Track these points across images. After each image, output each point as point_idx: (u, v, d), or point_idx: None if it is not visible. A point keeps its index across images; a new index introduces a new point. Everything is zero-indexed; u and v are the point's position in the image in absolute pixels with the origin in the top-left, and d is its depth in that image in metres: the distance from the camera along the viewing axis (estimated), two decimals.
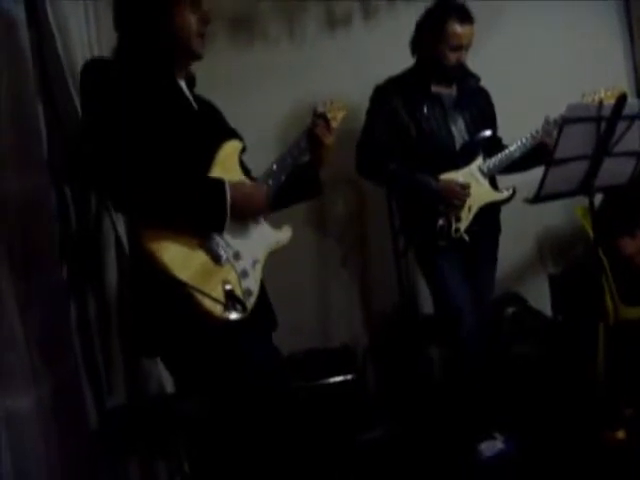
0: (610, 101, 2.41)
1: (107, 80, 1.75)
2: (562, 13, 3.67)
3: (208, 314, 1.69)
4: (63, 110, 2.22)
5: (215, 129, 1.99)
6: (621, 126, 2.40)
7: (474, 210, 2.78)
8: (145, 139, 1.72)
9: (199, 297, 1.67)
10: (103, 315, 2.32)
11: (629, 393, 2.80)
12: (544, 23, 3.64)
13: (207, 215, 1.75)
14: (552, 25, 3.65)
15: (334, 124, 2.17)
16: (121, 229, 2.39)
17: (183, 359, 1.83)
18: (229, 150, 1.94)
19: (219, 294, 1.72)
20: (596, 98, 2.64)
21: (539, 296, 3.53)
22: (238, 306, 1.73)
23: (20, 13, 2.07)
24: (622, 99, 2.36)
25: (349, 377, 2.96)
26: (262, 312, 1.93)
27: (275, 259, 2.02)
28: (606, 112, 2.35)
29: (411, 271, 3.23)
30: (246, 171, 2.08)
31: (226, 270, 1.79)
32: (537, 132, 2.81)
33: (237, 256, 1.84)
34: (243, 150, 2.02)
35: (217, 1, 3.37)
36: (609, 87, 2.73)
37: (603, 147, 2.40)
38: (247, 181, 1.97)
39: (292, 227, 2.07)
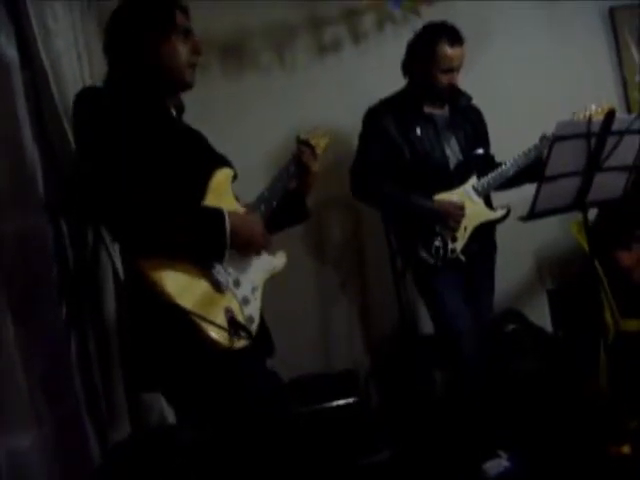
0: (599, 117, 2.43)
1: (100, 108, 1.74)
2: (550, 32, 3.71)
3: (213, 343, 1.67)
4: (59, 148, 2.25)
5: (206, 157, 1.99)
6: (611, 141, 2.41)
7: (470, 230, 2.80)
8: (140, 168, 1.70)
9: (204, 325, 1.65)
10: (103, 349, 2.32)
11: (632, 405, 2.79)
12: (533, 42, 3.68)
13: (208, 245, 1.74)
14: (541, 44, 3.70)
15: (318, 151, 2.18)
16: (118, 262, 2.40)
17: (183, 389, 1.81)
18: (221, 177, 1.92)
19: (222, 322, 1.70)
20: (586, 114, 2.67)
21: (539, 312, 3.54)
22: (242, 333, 1.71)
23: (13, 53, 2.10)
24: (611, 115, 2.38)
25: (351, 400, 2.95)
26: (260, 338, 1.92)
27: (274, 285, 2.03)
28: (595, 128, 2.37)
29: (410, 292, 3.23)
30: (235, 198, 2.08)
31: (227, 298, 1.78)
32: (530, 150, 2.83)
33: (237, 283, 1.84)
34: (235, 177, 2.01)
35: (208, 30, 3.43)
36: (598, 104, 2.76)
37: (594, 162, 2.42)
38: (241, 209, 1.97)
39: (290, 253, 2.08)
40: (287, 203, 2.12)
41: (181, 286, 1.68)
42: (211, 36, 3.46)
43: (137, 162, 1.70)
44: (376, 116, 2.92)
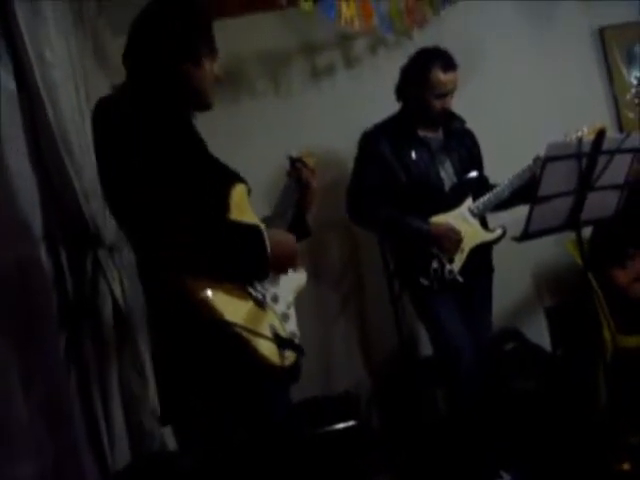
0: (590, 137, 2.46)
1: (126, 122, 1.64)
2: (542, 52, 3.76)
3: (264, 359, 1.63)
4: (56, 178, 2.27)
5: (223, 171, 1.92)
6: (602, 160, 2.44)
7: (466, 251, 2.81)
8: (172, 184, 1.62)
9: (254, 342, 1.61)
10: (103, 377, 2.33)
11: (632, 422, 2.80)
12: (524, 62, 3.73)
13: (252, 263, 1.69)
14: (532, 64, 3.74)
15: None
16: (118, 290, 2.42)
17: (211, 413, 1.74)
18: (240, 193, 1.87)
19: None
20: (578, 135, 2.69)
21: (537, 330, 3.55)
22: (288, 351, 1.69)
23: (11, 84, 2.13)
24: (601, 134, 2.41)
25: (352, 423, 2.95)
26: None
27: None
28: (586, 148, 2.40)
29: (408, 314, 3.24)
30: None
31: (270, 314, 1.75)
32: (523, 171, 2.86)
33: (276, 299, 1.81)
34: (249, 193, 1.97)
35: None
36: (590, 125, 2.79)
37: (586, 182, 2.44)
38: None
39: None
40: (292, 223, 2.08)
41: (229, 303, 1.62)
42: None
43: (163, 177, 1.62)
44: (371, 140, 2.95)
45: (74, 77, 2.47)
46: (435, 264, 2.78)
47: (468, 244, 2.82)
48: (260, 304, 1.73)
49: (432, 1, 3.50)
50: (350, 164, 3.05)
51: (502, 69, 3.71)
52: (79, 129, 2.41)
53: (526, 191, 2.79)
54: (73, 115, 2.40)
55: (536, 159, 2.84)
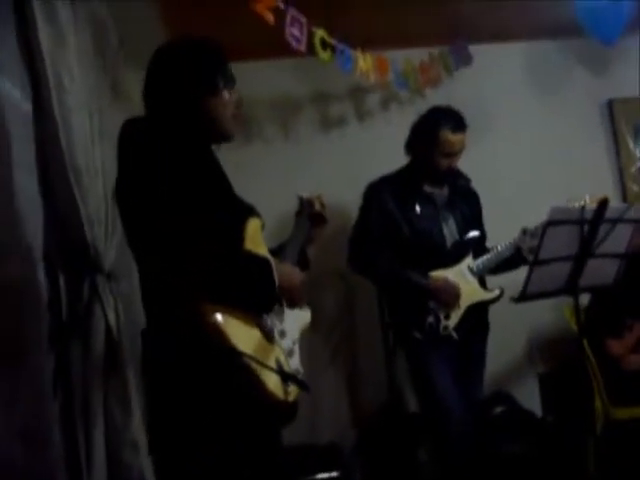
0: (593, 205, 2.48)
1: (153, 142, 1.67)
2: (550, 120, 3.83)
3: (270, 394, 1.62)
4: (62, 201, 2.28)
5: (239, 204, 1.94)
6: (604, 229, 2.46)
7: (463, 308, 2.81)
8: (194, 213, 1.62)
9: (263, 376, 1.59)
10: (87, 404, 2.30)
11: None
12: (532, 129, 3.79)
13: (261, 294, 1.70)
14: (540, 131, 3.81)
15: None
16: (112, 317, 2.41)
17: (206, 445, 1.67)
18: (254, 226, 1.88)
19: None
20: (580, 203, 2.72)
21: (529, 396, 3.52)
22: (292, 387, 1.67)
23: (28, 106, 2.16)
24: (604, 203, 2.43)
25: (335, 474, 2.91)
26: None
27: None
28: (588, 215, 2.41)
29: (399, 368, 3.22)
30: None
31: (277, 349, 1.75)
32: (510, 244, 2.88)
33: (283, 334, 1.81)
34: (263, 227, 1.98)
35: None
36: (593, 194, 2.82)
37: (586, 248, 2.45)
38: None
39: None
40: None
41: (239, 332, 1.61)
42: None
43: (184, 203, 1.61)
44: (376, 192, 2.98)
45: (89, 105, 2.51)
46: (431, 319, 2.77)
47: (465, 301, 2.82)
48: (269, 337, 1.73)
49: (446, 62, 3.58)
50: (353, 215, 3.07)
51: (511, 133, 3.78)
52: (89, 156, 2.43)
53: (514, 260, 2.85)
54: (85, 142, 2.43)
55: (522, 231, 2.87)
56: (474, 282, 2.89)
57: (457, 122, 2.87)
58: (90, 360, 2.32)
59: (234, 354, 1.56)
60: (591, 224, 2.42)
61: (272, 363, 1.68)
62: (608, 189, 3.71)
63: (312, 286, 3.48)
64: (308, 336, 3.49)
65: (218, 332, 1.56)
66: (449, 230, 2.96)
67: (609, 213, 2.43)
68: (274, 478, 1.82)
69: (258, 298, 1.71)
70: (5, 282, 1.89)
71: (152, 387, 1.75)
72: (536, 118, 3.83)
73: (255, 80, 3.59)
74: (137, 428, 2.40)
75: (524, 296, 2.44)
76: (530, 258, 2.74)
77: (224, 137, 1.90)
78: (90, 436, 2.28)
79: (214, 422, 1.62)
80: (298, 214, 2.20)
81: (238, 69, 3.55)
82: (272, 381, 1.63)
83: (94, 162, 2.45)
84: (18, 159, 2.01)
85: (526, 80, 3.88)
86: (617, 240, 2.50)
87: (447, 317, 2.79)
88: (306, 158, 3.68)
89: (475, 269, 2.88)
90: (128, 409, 2.39)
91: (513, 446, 3.14)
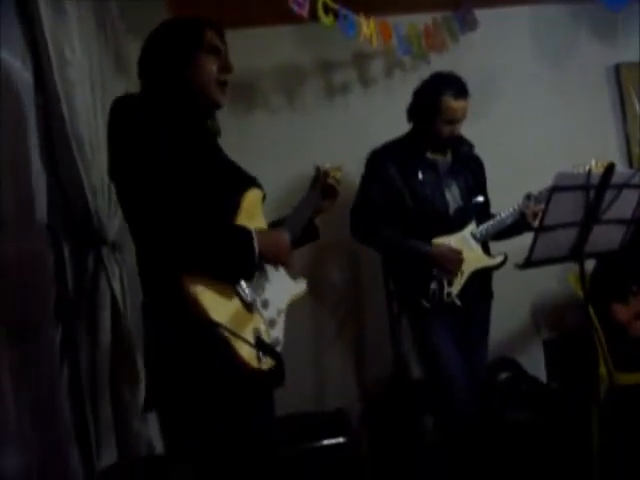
0: (599, 170, 2.46)
1: (140, 119, 1.73)
2: (556, 86, 3.78)
3: (242, 361, 1.67)
4: (66, 173, 2.28)
5: (238, 176, 1.98)
6: (610, 194, 2.44)
7: (466, 275, 2.81)
8: (177, 183, 1.69)
9: (235, 343, 1.66)
10: (95, 376, 2.32)
11: (625, 461, 2.77)
12: (538, 95, 3.75)
13: (238, 263, 1.73)
14: (546, 97, 3.76)
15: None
16: (117, 287, 2.42)
17: (191, 406, 1.75)
18: (252, 198, 1.93)
19: (251, 342, 1.70)
20: (586, 168, 2.69)
21: (534, 362, 3.53)
22: (267, 357, 1.71)
23: (28, 77, 2.15)
24: (610, 169, 2.40)
25: (342, 440, 2.93)
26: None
27: None
28: (594, 181, 2.39)
29: (405, 336, 3.23)
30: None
31: (256, 319, 1.79)
32: (535, 197, 2.87)
33: (265, 305, 1.84)
34: (264, 198, 2.03)
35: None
36: (599, 159, 2.80)
37: (592, 214, 2.44)
38: (269, 229, 1.98)
39: None
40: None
41: (217, 302, 1.68)
42: None
43: (174, 177, 1.69)
44: (379, 159, 2.95)
45: (91, 77, 2.50)
46: (434, 285, 2.78)
47: (468, 268, 2.82)
48: (248, 307, 1.77)
49: (451, 27, 3.53)
50: (358, 183, 3.05)
51: (517, 98, 3.74)
52: (91, 127, 2.43)
53: (520, 223, 2.85)
54: (87, 113, 2.43)
55: (527, 196, 2.86)
56: (477, 248, 2.88)
57: (459, 88, 2.83)
58: (97, 331, 2.34)
59: (208, 324, 1.63)
60: (597, 190, 2.40)
61: (250, 333, 1.73)
62: (614, 154, 3.68)
63: (317, 257, 3.55)
64: (315, 305, 3.58)
65: (194, 303, 1.63)
66: (452, 197, 2.94)
67: (615, 178, 2.41)
68: (260, 446, 1.84)
69: (235, 268, 1.74)
70: (12, 256, 1.90)
71: (147, 358, 1.82)
72: (542, 83, 3.78)
73: (258, 48, 3.57)
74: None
75: (529, 262, 2.43)
76: (534, 224, 2.75)
77: (211, 104, 1.92)
78: (98, 408, 2.31)
79: (195, 391, 1.70)
80: (312, 183, 2.20)
81: (240, 37, 3.56)
82: (245, 350, 1.68)
83: (97, 133, 2.45)
84: (19, 129, 2.01)
85: (532, 45, 3.82)
86: (623, 206, 2.49)
87: (450, 284, 2.80)
88: (310, 126, 3.65)
89: (478, 235, 2.87)
90: (135, 380, 2.42)
91: (517, 412, 3.15)
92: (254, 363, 1.70)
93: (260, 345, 1.72)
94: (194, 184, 1.74)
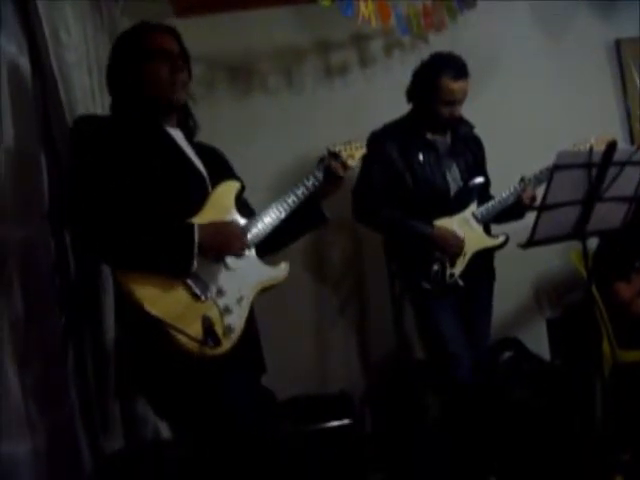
0: (600, 148, 2.45)
1: (92, 133, 1.87)
2: (556, 62, 3.75)
3: (184, 349, 1.74)
4: (65, 160, 2.27)
5: (212, 173, 2.03)
6: (612, 172, 2.43)
7: (468, 256, 2.81)
8: (125, 186, 1.79)
9: (173, 333, 1.72)
10: (100, 361, 2.33)
11: (628, 437, 2.78)
12: (538, 72, 3.72)
13: (173, 260, 1.79)
14: (546, 74, 3.73)
15: (351, 162, 2.22)
16: None
17: (165, 399, 1.87)
18: (223, 190, 1.99)
19: (197, 329, 1.74)
20: (587, 146, 2.68)
21: (537, 341, 3.53)
22: (210, 340, 1.75)
23: (25, 62, 2.13)
24: (612, 146, 2.39)
25: (346, 422, 2.95)
26: (250, 354, 1.98)
27: (273, 305, 2.03)
28: (596, 158, 2.38)
29: (408, 316, 3.24)
30: (250, 211, 2.12)
31: (207, 306, 1.83)
32: (529, 180, 2.86)
33: (220, 292, 1.87)
34: (242, 189, 2.06)
35: (217, 52, 3.49)
36: (600, 135, 2.79)
37: (594, 192, 2.43)
38: (239, 219, 2.01)
39: (289, 273, 2.06)
40: (305, 208, 2.14)
41: (155, 295, 1.75)
42: (220, 57, 3.52)
43: (123, 182, 1.79)
44: (379, 141, 2.93)
45: (88, 60, 2.48)
46: (436, 267, 2.78)
47: (470, 249, 2.82)
48: (196, 295, 1.82)
49: (450, 6, 3.50)
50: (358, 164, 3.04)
51: (517, 77, 3.71)
52: (89, 112, 2.41)
53: (513, 209, 2.86)
54: (85, 97, 2.41)
55: (521, 179, 2.86)
56: (479, 229, 2.88)
57: (458, 69, 2.81)
58: (100, 317, 2.34)
59: (145, 315, 1.72)
60: (599, 167, 2.39)
61: (196, 320, 1.77)
62: (615, 131, 3.65)
63: (319, 238, 3.54)
64: (317, 287, 3.58)
65: (129, 296, 1.75)
66: (452, 177, 2.93)
67: (617, 156, 2.40)
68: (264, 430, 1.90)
69: (170, 264, 1.79)
70: (13, 243, 1.89)
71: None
72: (542, 60, 3.75)
73: (257, 30, 3.55)
74: None
75: (532, 242, 2.43)
76: (532, 205, 2.77)
77: (166, 103, 2.00)
78: (103, 391, 2.31)
79: (153, 376, 1.84)
80: (320, 162, 2.19)
81: (239, 19, 3.55)
82: (183, 337, 1.73)
83: None
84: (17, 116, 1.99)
85: (532, 23, 3.79)
86: (625, 183, 2.48)
87: (452, 265, 2.80)
88: (309, 107, 3.63)
89: (480, 216, 2.87)
90: None
91: (521, 391, 3.16)
92: (194, 349, 1.74)
93: (208, 332, 1.75)
94: (145, 187, 1.83)
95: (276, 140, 3.53)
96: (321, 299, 3.63)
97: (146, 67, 1.95)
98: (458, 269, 2.79)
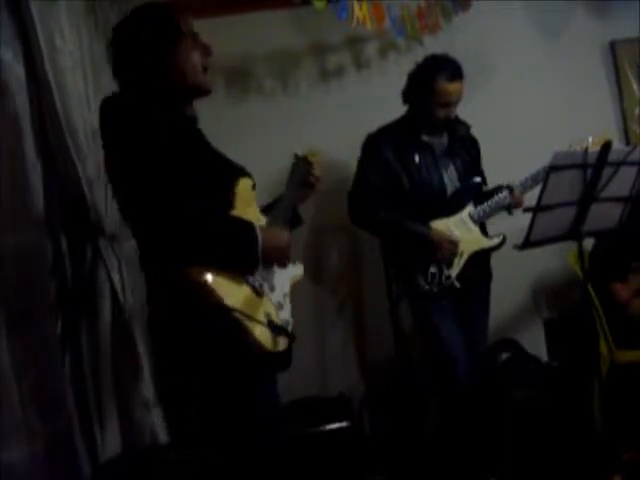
0: (596, 148, 2.45)
1: (134, 119, 1.70)
2: (552, 64, 3.76)
3: (257, 344, 1.70)
4: (61, 164, 2.27)
5: (228, 165, 1.96)
6: (607, 172, 2.43)
7: (465, 257, 2.81)
8: (174, 180, 1.67)
9: (249, 326, 1.68)
10: (97, 366, 2.33)
11: (627, 437, 2.78)
12: (534, 73, 3.72)
13: (242, 259, 1.75)
14: (542, 75, 3.74)
15: (316, 169, 2.19)
16: (116, 279, 2.42)
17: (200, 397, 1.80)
18: (244, 186, 1.91)
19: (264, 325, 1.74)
20: (583, 146, 2.69)
21: (535, 342, 3.53)
22: (281, 337, 1.76)
23: (19, 69, 2.13)
24: (607, 146, 2.40)
25: (345, 424, 2.95)
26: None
27: None
28: (592, 159, 2.39)
29: (406, 318, 3.24)
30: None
31: (266, 302, 1.82)
32: (526, 180, 2.87)
33: (273, 289, 1.87)
34: (254, 187, 2.01)
35: (213, 54, 3.49)
36: (595, 135, 2.79)
37: (590, 193, 2.43)
38: (263, 219, 1.98)
39: None
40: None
41: (227, 289, 1.69)
42: (216, 60, 3.49)
43: (172, 173, 1.67)
44: (375, 143, 2.94)
45: (82, 65, 2.47)
46: (433, 269, 2.78)
47: (467, 250, 2.82)
48: (257, 292, 1.79)
49: (444, 7, 3.50)
50: (354, 166, 3.04)
51: (512, 78, 3.71)
52: (85, 117, 2.41)
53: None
54: (80, 103, 2.41)
55: (509, 186, 2.89)
56: (475, 230, 2.88)
57: (453, 71, 2.81)
58: (97, 323, 2.34)
59: (223, 310, 1.65)
60: (594, 168, 2.40)
61: (262, 316, 1.76)
62: (611, 132, 3.65)
63: (317, 240, 3.54)
64: (315, 290, 3.58)
65: (208, 291, 1.65)
66: (449, 178, 2.93)
67: (612, 156, 2.41)
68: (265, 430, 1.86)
69: (241, 262, 1.76)
70: (10, 249, 1.89)
71: (158, 348, 1.86)
72: (538, 61, 3.75)
73: (252, 34, 3.55)
74: (147, 387, 2.43)
75: (528, 243, 2.44)
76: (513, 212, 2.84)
77: (198, 90, 1.89)
78: (101, 397, 2.31)
79: (210, 375, 1.73)
80: (292, 171, 2.17)
81: (234, 22, 3.54)
82: (260, 332, 1.71)
83: (91, 123, 2.43)
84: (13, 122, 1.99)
85: (527, 23, 3.79)
86: (621, 183, 2.48)
87: (449, 266, 2.80)
88: (305, 110, 3.63)
89: (476, 217, 2.87)
90: (137, 369, 2.42)
91: (519, 392, 3.16)
92: (269, 345, 1.73)
93: (273, 327, 1.75)
94: (191, 178, 1.73)
95: (272, 142, 3.52)
96: (319, 302, 3.63)
97: (180, 49, 1.81)
98: (455, 271, 2.79)
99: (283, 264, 1.95)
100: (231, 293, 1.69)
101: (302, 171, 2.15)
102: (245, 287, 1.76)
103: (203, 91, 1.90)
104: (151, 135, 1.68)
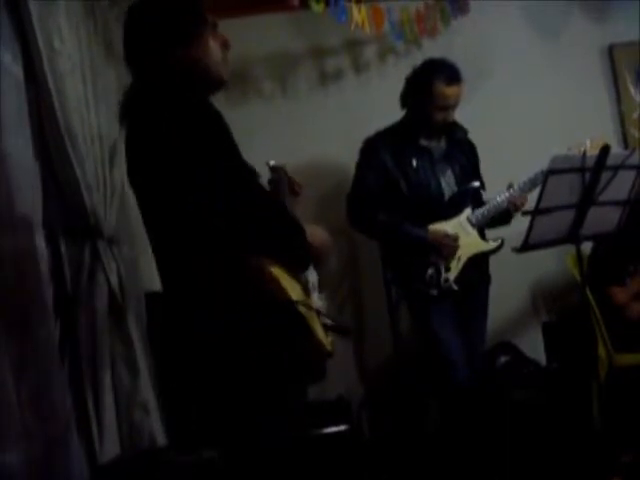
0: (594, 152, 2.45)
1: (175, 116, 1.59)
2: (550, 67, 3.77)
3: (320, 345, 1.66)
4: (60, 168, 2.27)
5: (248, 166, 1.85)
6: (606, 176, 2.44)
7: (463, 260, 2.82)
8: (220, 173, 1.58)
9: (313, 326, 1.62)
10: (96, 369, 2.32)
11: (625, 439, 2.78)
12: (532, 76, 3.73)
13: (296, 255, 1.69)
14: (540, 79, 3.74)
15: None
16: (114, 282, 2.42)
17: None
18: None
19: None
20: (581, 149, 2.69)
21: (533, 345, 3.53)
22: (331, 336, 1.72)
23: (18, 71, 2.13)
24: (605, 150, 2.40)
25: (344, 428, 2.94)
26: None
27: None
28: (590, 163, 2.39)
29: (404, 321, 3.24)
30: None
31: (315, 301, 1.79)
32: (524, 183, 2.87)
33: (314, 287, 1.85)
34: None
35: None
36: (594, 139, 2.79)
37: (588, 196, 2.44)
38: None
39: None
40: None
41: (288, 283, 1.61)
42: None
43: (217, 170, 1.58)
44: (373, 147, 2.95)
45: (82, 68, 2.47)
46: (431, 271, 2.78)
47: (465, 253, 2.82)
48: (306, 289, 1.75)
49: (443, 11, 3.51)
50: (353, 169, 3.04)
51: (511, 81, 3.72)
52: (84, 120, 2.41)
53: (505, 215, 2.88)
54: (79, 106, 2.40)
55: (509, 187, 2.88)
56: (474, 233, 2.88)
57: (451, 74, 2.82)
58: (95, 325, 2.33)
59: (288, 304, 1.56)
60: (593, 171, 2.40)
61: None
62: (609, 135, 3.66)
63: None
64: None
65: (276, 284, 1.55)
66: (447, 182, 2.94)
67: (611, 160, 2.41)
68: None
69: (295, 258, 1.69)
70: (8, 252, 1.89)
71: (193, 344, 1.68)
72: (536, 65, 3.76)
73: (250, 37, 3.55)
74: (146, 390, 2.43)
75: (526, 246, 2.44)
76: (517, 213, 2.81)
77: (218, 83, 1.79)
78: (100, 400, 2.31)
79: (268, 375, 1.61)
80: (275, 181, 2.10)
81: (233, 25, 3.54)
82: (320, 332, 1.66)
83: (90, 126, 2.43)
84: (11, 125, 1.98)
85: (526, 27, 3.80)
86: (619, 187, 2.49)
87: (447, 269, 2.80)
88: (304, 113, 3.64)
89: (474, 220, 2.88)
90: (136, 371, 2.42)
91: (518, 395, 3.17)
92: (328, 345, 1.69)
93: (333, 327, 1.74)
94: (233, 172, 1.63)
95: (271, 145, 3.52)
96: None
97: (202, 41, 1.70)
98: (453, 274, 2.80)
99: (324, 263, 1.89)
100: (291, 287, 1.60)
101: (285, 180, 2.10)
102: (296, 284, 1.68)
103: (222, 84, 1.81)
104: (188, 132, 1.57)
